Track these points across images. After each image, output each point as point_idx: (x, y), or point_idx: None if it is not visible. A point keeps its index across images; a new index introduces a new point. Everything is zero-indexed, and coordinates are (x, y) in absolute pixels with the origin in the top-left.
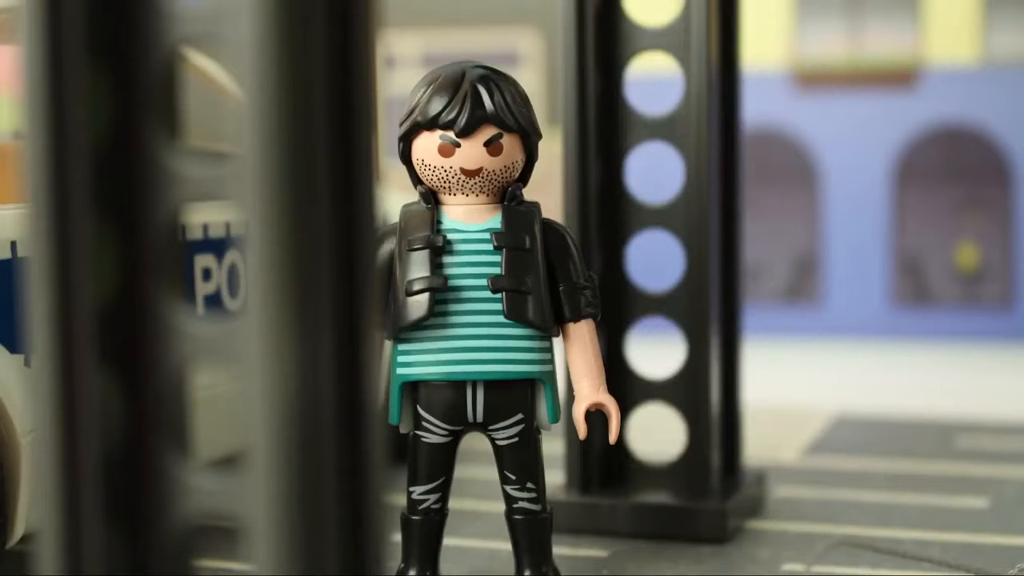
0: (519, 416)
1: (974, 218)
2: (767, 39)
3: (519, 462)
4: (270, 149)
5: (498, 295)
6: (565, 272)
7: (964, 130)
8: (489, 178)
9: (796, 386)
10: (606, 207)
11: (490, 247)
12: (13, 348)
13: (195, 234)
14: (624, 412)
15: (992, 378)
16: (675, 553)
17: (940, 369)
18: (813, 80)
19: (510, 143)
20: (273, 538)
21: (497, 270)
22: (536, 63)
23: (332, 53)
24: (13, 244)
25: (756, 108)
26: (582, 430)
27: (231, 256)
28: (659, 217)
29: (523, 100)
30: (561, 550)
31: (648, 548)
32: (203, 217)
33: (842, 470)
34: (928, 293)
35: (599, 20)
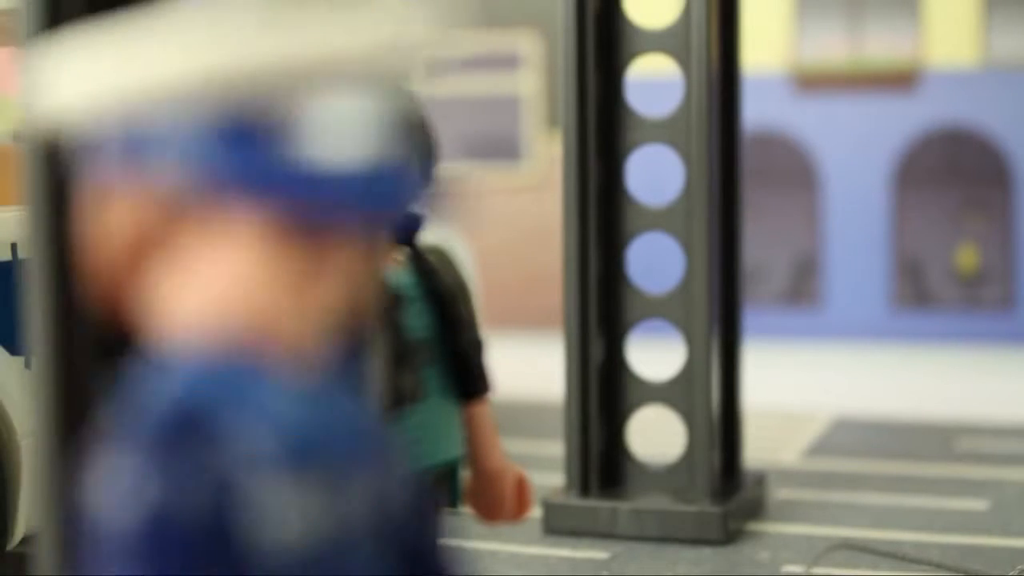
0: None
1: (974, 220)
2: (767, 41)
3: None
4: None
5: (429, 361)
6: (459, 328)
7: (964, 132)
8: None
9: (796, 388)
10: (606, 209)
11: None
12: (13, 350)
13: None
14: (624, 415)
15: (992, 380)
16: (675, 555)
17: (940, 371)
18: (813, 82)
19: None
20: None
21: (423, 329)
22: (536, 65)
23: None
24: (13, 246)
25: (756, 110)
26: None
27: None
28: (659, 219)
29: None
30: (561, 552)
31: (648, 550)
32: None
33: (842, 472)
34: (928, 295)
35: (599, 22)
